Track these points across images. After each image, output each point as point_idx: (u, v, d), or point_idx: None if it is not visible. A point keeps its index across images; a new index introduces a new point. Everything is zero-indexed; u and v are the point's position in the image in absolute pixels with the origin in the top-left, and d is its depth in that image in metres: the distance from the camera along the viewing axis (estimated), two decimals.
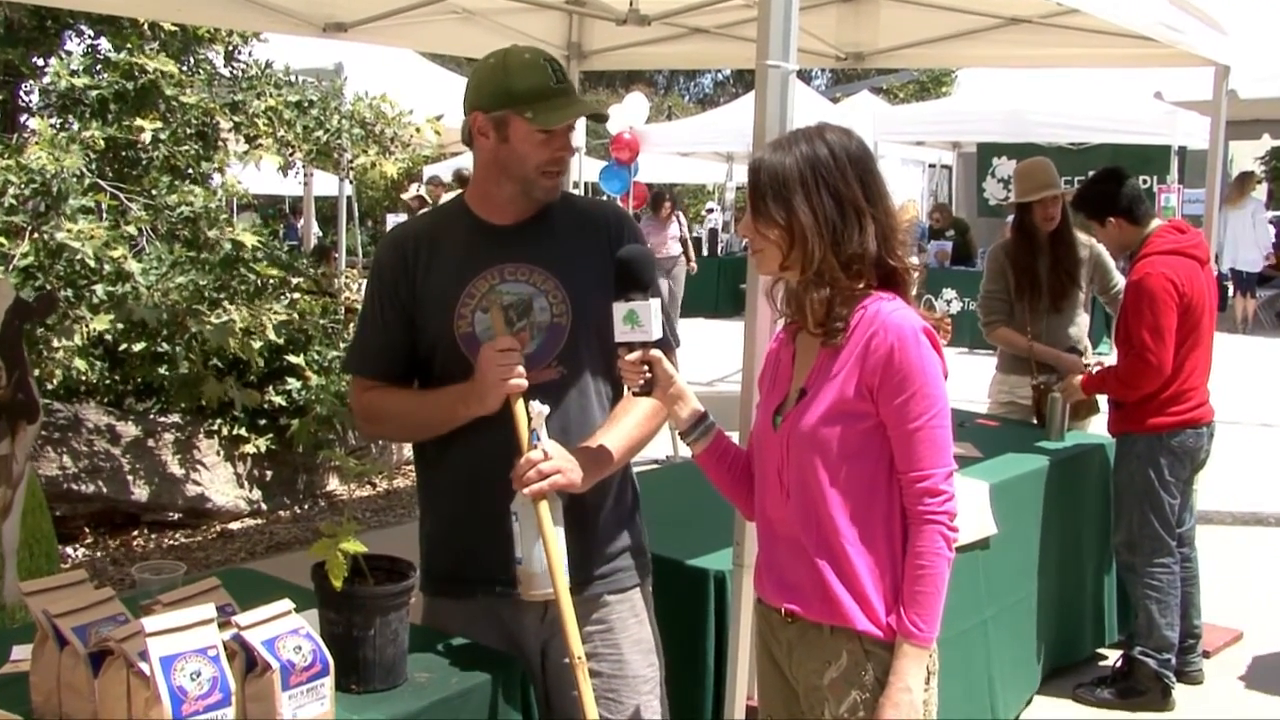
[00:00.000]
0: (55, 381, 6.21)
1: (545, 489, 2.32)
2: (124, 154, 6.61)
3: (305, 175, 9.15)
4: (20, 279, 5.56)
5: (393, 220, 16.45)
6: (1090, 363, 5.20)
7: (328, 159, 7.76)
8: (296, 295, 7.00)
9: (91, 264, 5.58)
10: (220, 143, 7.17)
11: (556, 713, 2.54)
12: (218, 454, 6.74)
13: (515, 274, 2.50)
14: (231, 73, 7.41)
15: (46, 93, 6.73)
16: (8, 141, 5.99)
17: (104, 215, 6.15)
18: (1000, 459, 4.43)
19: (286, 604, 2.02)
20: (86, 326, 5.72)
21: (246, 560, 6.04)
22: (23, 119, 7.14)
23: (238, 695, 1.92)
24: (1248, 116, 11.67)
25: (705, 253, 19.21)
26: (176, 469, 6.54)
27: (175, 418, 6.75)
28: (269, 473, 7.01)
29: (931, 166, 20.70)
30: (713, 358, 10.68)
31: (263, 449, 6.78)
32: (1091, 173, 4.88)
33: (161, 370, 6.61)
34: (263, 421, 6.85)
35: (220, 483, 6.71)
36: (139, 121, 6.38)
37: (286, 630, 1.98)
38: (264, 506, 6.92)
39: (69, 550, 6.00)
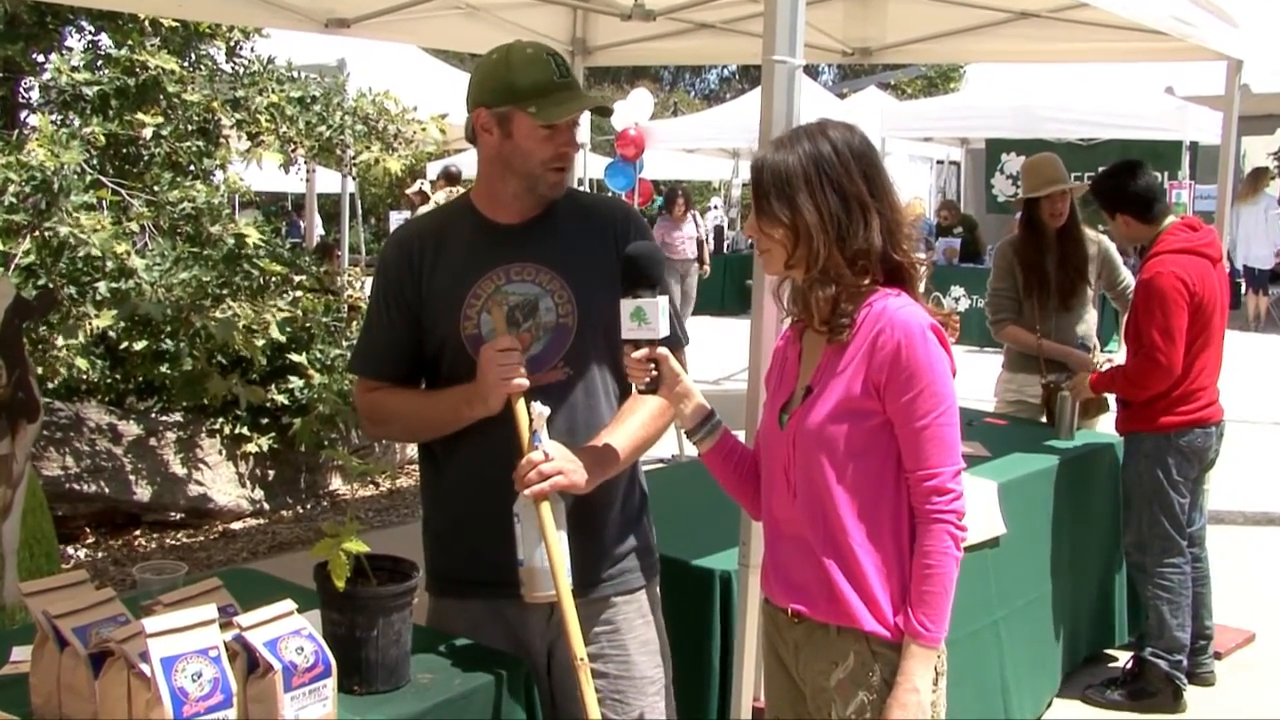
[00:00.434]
0: (56, 381, 6.19)
1: (546, 490, 2.30)
2: (125, 150, 6.59)
3: (307, 172, 9.12)
4: (22, 277, 5.54)
5: (395, 217, 16.46)
6: (1099, 360, 5.17)
7: (330, 156, 7.74)
8: (299, 293, 6.98)
9: (96, 255, 5.55)
10: (222, 139, 7.14)
11: (562, 714, 2.53)
12: (220, 453, 6.73)
13: (521, 274, 2.48)
14: (233, 69, 7.38)
15: (47, 89, 6.70)
16: (8, 138, 5.96)
17: (106, 211, 6.12)
18: (1009, 458, 4.40)
19: (289, 604, 2.00)
20: (90, 323, 5.70)
21: (248, 560, 6.03)
22: (23, 115, 7.12)
23: (239, 696, 1.91)
24: (1261, 111, 11.65)
25: (711, 250, 19.19)
26: (178, 468, 6.53)
27: (177, 416, 6.74)
28: (271, 472, 6.99)
29: (939, 163, 20.68)
30: (719, 356, 10.66)
31: (265, 448, 6.76)
32: (1101, 169, 4.84)
33: (163, 368, 6.60)
34: (265, 420, 6.84)
35: (222, 482, 6.70)
36: (140, 116, 6.36)
37: (289, 631, 1.97)
38: (266, 506, 6.90)
39: (70, 550, 5.98)
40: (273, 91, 7.00)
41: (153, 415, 6.75)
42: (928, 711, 2.21)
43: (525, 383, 2.35)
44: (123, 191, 6.30)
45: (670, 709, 2.65)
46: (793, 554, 2.33)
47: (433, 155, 12.82)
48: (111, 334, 6.08)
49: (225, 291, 6.30)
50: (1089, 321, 5.33)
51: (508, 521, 2.34)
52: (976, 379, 5.90)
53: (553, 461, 2.31)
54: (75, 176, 5.73)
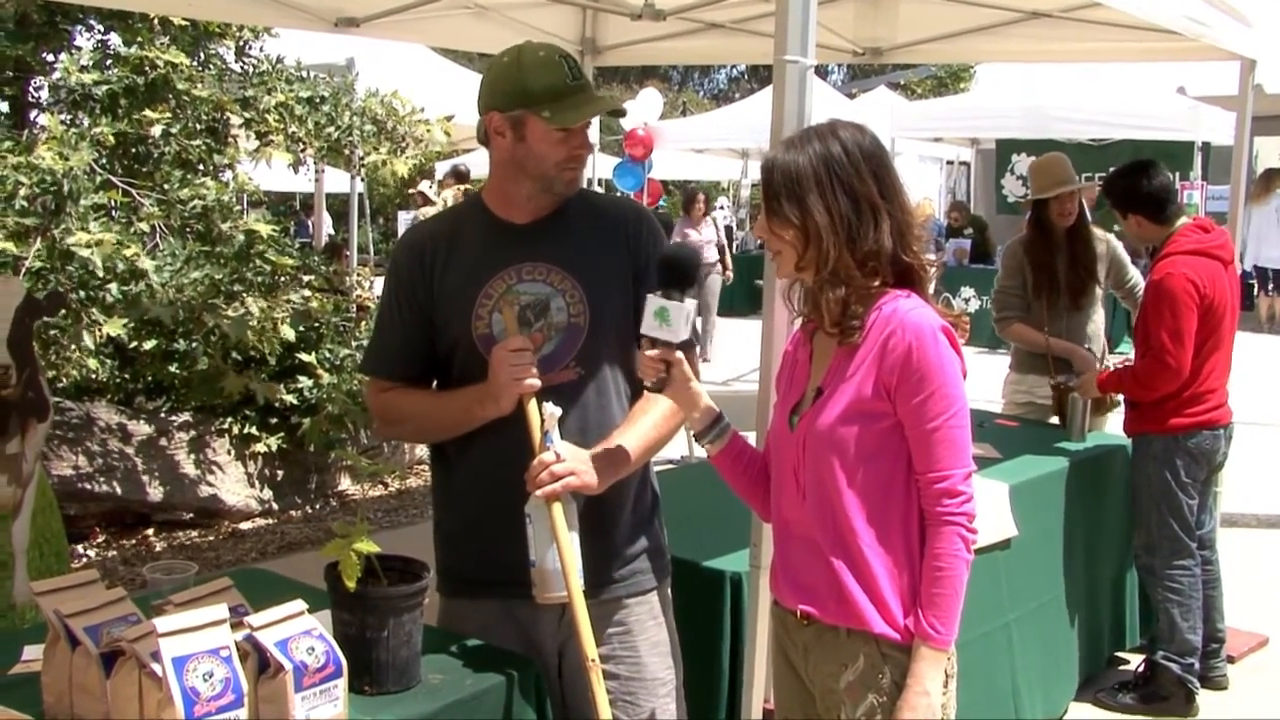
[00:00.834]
0: (66, 380, 6.20)
1: (558, 491, 2.29)
2: (134, 149, 6.60)
3: (316, 172, 9.13)
4: (32, 280, 5.54)
5: (404, 217, 16.47)
6: (1110, 362, 5.16)
7: (339, 156, 7.74)
8: (308, 293, 6.98)
9: (101, 273, 5.56)
10: (231, 138, 7.15)
11: (573, 714, 2.52)
12: (229, 453, 6.73)
13: (533, 274, 2.48)
14: (242, 68, 7.39)
15: (56, 89, 6.71)
16: (17, 139, 5.97)
17: (116, 212, 6.13)
18: (1020, 459, 4.39)
19: (299, 604, 2.00)
20: (99, 330, 5.70)
21: (258, 560, 6.03)
22: (33, 115, 7.13)
23: (250, 696, 1.90)
24: (1274, 111, 11.59)
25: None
26: (188, 468, 6.53)
27: (186, 416, 6.74)
28: (280, 472, 7.00)
29: (949, 163, 20.66)
30: (729, 357, 10.66)
31: (274, 448, 6.76)
32: (1112, 169, 4.83)
33: (172, 368, 6.60)
34: (274, 420, 6.84)
35: (231, 482, 6.70)
36: (149, 114, 6.36)
37: (299, 631, 1.97)
38: (275, 506, 6.90)
39: (80, 550, 5.99)
40: (282, 91, 7.01)
41: (162, 415, 6.75)
42: (938, 714, 2.20)
43: (537, 383, 2.35)
44: (133, 191, 6.30)
45: (681, 710, 2.65)
46: (802, 555, 2.32)
47: (441, 155, 12.81)
48: (122, 335, 6.09)
49: (238, 288, 6.30)
50: (1098, 321, 5.32)
51: (519, 522, 2.33)
52: (986, 380, 5.88)
53: (564, 462, 2.30)
54: (85, 177, 5.73)
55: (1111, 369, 4.86)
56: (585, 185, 2.65)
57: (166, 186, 6.42)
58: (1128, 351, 5.29)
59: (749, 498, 2.52)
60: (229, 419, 6.77)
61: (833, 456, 2.23)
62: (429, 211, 12.49)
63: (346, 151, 7.54)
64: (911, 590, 2.22)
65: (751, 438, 2.58)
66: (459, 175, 13.24)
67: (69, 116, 6.60)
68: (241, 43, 7.46)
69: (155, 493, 6.34)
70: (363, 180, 10.89)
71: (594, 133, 2.78)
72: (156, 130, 6.37)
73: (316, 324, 6.87)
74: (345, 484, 7.36)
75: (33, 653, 2.25)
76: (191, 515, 6.55)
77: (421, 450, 7.78)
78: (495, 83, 2.46)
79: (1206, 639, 4.56)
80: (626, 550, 2.57)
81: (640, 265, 2.55)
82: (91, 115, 6.49)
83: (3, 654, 2.31)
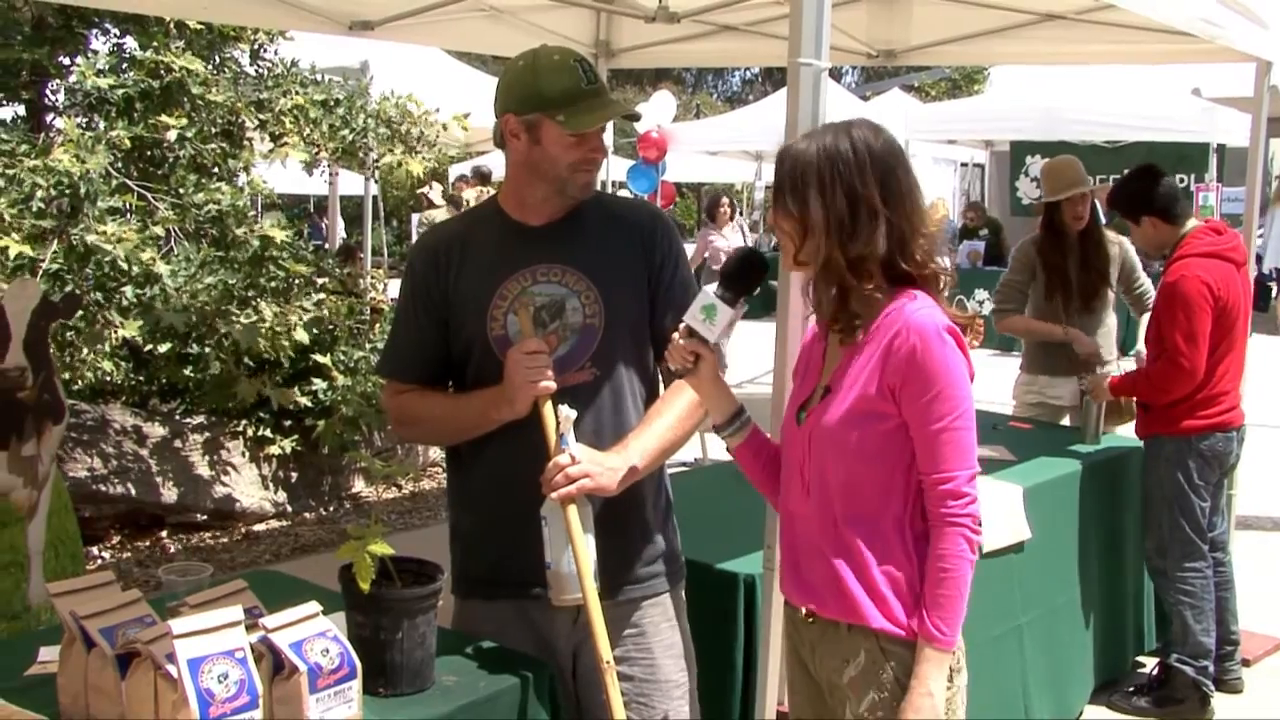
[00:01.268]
0: (81, 383, 6.22)
1: (573, 493, 2.30)
2: (150, 153, 6.62)
3: (330, 174, 9.15)
4: (49, 283, 5.57)
5: (417, 220, 16.48)
6: (1117, 367, 5.16)
7: (353, 158, 7.76)
8: (322, 295, 7.00)
9: (123, 266, 5.58)
10: (246, 141, 7.17)
11: (587, 716, 2.53)
12: (243, 455, 6.75)
13: (548, 275, 2.48)
14: (257, 71, 7.41)
15: (72, 92, 6.74)
16: (34, 142, 6.00)
17: (131, 215, 6.15)
18: (1034, 462, 4.37)
19: (314, 606, 2.01)
20: (115, 332, 5.72)
21: (272, 562, 6.04)
22: (49, 118, 7.16)
23: (265, 698, 1.90)
24: None
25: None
26: (202, 470, 6.55)
27: (201, 418, 6.76)
28: (294, 474, 7.01)
29: (964, 165, 20.60)
30: (742, 358, 10.63)
31: (288, 450, 6.78)
32: (1127, 171, 4.82)
33: (187, 371, 6.62)
34: (288, 423, 6.85)
35: (246, 484, 6.72)
36: (164, 119, 6.39)
37: (314, 633, 1.97)
38: (289, 508, 6.91)
39: (95, 551, 6.01)
40: (297, 94, 7.03)
41: (177, 417, 6.77)
42: (942, 714, 2.20)
43: (552, 385, 2.36)
44: (148, 195, 6.33)
45: (695, 712, 2.65)
46: (806, 552, 2.33)
47: (455, 158, 12.85)
48: (137, 337, 6.11)
49: (251, 294, 6.32)
50: (1109, 324, 5.31)
51: (534, 524, 2.34)
52: (999, 382, 5.87)
53: (580, 464, 2.31)
54: (100, 180, 5.76)
55: (1123, 372, 4.85)
56: (599, 188, 2.65)
57: (181, 191, 6.44)
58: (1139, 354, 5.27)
59: (769, 492, 2.52)
60: (243, 421, 6.78)
61: (835, 454, 2.24)
62: (434, 215, 12.52)
63: (361, 154, 7.56)
64: (910, 588, 2.22)
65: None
66: (482, 176, 13.27)
67: (85, 120, 6.62)
68: (256, 46, 7.48)
69: (170, 495, 6.36)
70: (376, 182, 10.91)
71: (608, 135, 2.79)
72: (172, 134, 6.39)
73: (331, 327, 6.88)
74: (359, 486, 7.37)
75: (48, 654, 2.25)
76: (206, 517, 6.57)
77: (435, 452, 7.79)
78: (510, 86, 2.46)
79: (1220, 641, 4.54)
80: (642, 552, 2.57)
81: (655, 267, 2.55)
82: (107, 119, 6.51)
83: (19, 655, 2.32)
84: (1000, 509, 3.86)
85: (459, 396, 2.56)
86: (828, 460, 2.25)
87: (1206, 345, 4.30)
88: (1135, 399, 4.63)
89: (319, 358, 6.77)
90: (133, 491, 6.23)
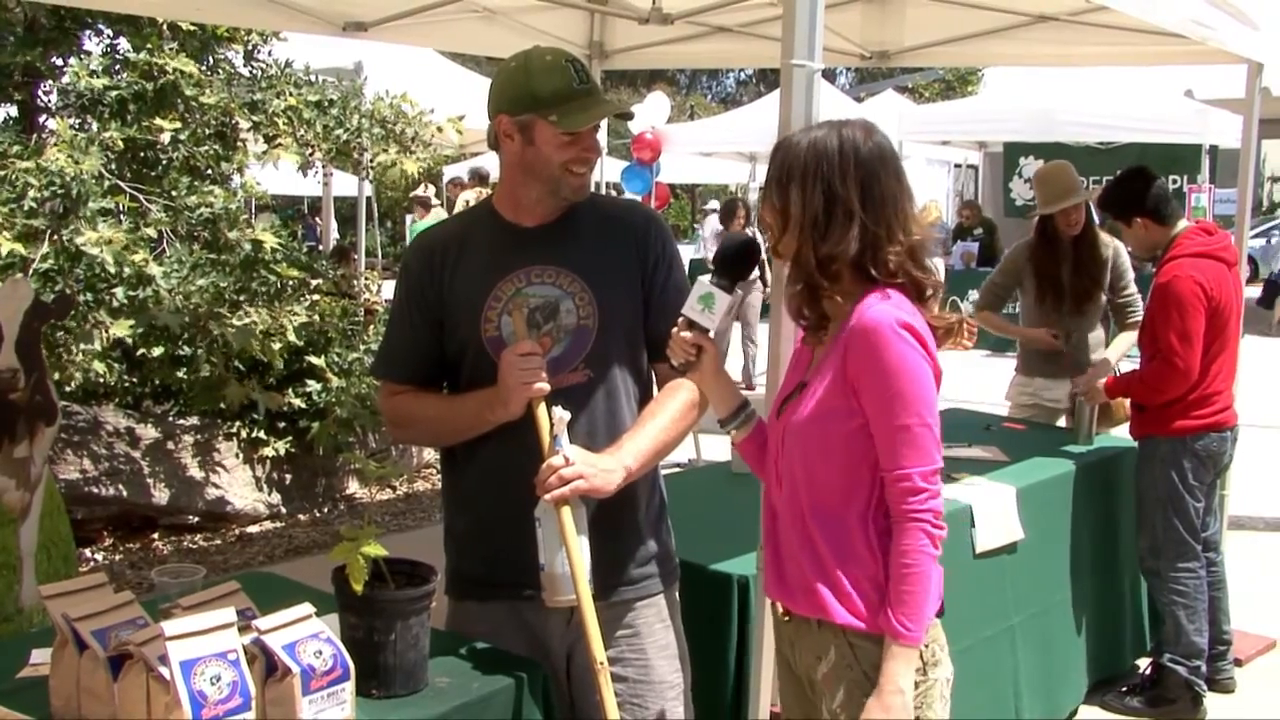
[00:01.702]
0: (74, 384, 6.21)
1: (567, 495, 2.30)
2: (143, 155, 6.61)
3: (324, 175, 9.14)
4: (40, 283, 5.56)
5: (411, 220, 16.47)
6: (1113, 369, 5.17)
7: (347, 159, 7.74)
8: (316, 297, 6.99)
9: (111, 270, 5.57)
10: (240, 143, 7.16)
11: (581, 716, 2.53)
12: (237, 457, 6.74)
13: (542, 276, 2.48)
14: (251, 72, 7.40)
15: (65, 93, 6.72)
16: (26, 142, 5.99)
17: (124, 217, 6.14)
18: (1028, 463, 4.38)
19: (307, 608, 2.01)
20: (106, 332, 5.71)
21: (265, 564, 6.03)
22: (42, 119, 7.14)
23: (258, 700, 1.90)
24: None
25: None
26: (195, 472, 6.54)
27: (194, 420, 6.75)
28: (288, 476, 7.00)
29: (957, 166, 20.63)
30: (736, 360, 10.65)
31: (282, 452, 6.77)
32: (1119, 172, 4.83)
33: (180, 373, 6.61)
34: (282, 424, 6.84)
35: (239, 486, 6.71)
36: (158, 121, 6.38)
37: (307, 634, 1.97)
38: (283, 510, 6.90)
39: (87, 553, 6.00)
40: (290, 95, 7.02)
41: (170, 419, 6.76)
42: (911, 711, 2.20)
43: (546, 387, 2.36)
44: (140, 197, 6.32)
45: (689, 713, 2.65)
46: (783, 546, 2.35)
47: (450, 158, 12.84)
48: (129, 339, 6.10)
49: (243, 297, 6.31)
50: (1098, 330, 5.32)
51: (528, 525, 2.34)
52: (992, 383, 5.88)
53: (573, 466, 2.31)
54: (93, 181, 5.74)
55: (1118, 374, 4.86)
56: (593, 189, 2.66)
57: (174, 193, 6.43)
58: (1133, 356, 5.29)
59: None
60: (236, 423, 6.78)
61: (803, 450, 2.26)
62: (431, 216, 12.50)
63: (355, 155, 7.55)
64: (875, 584, 2.22)
65: None
66: (481, 178, 13.24)
67: (78, 121, 6.61)
68: (250, 47, 7.46)
69: (162, 496, 6.34)
70: (371, 183, 10.91)
71: (602, 136, 2.79)
72: (165, 136, 6.38)
73: (324, 329, 6.88)
74: (353, 487, 7.36)
75: (40, 656, 2.25)
76: (199, 519, 6.56)
77: (429, 454, 7.79)
78: (503, 87, 2.47)
79: (1212, 641, 4.55)
80: (636, 553, 2.57)
81: (649, 269, 2.55)
82: (100, 120, 6.50)
83: (11, 657, 2.31)
84: (993, 510, 3.86)
85: (453, 398, 2.56)
86: (796, 456, 2.27)
87: (1200, 344, 4.31)
88: (1129, 400, 4.64)
89: (313, 359, 6.76)
90: (125, 493, 6.22)
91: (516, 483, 2.37)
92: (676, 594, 2.68)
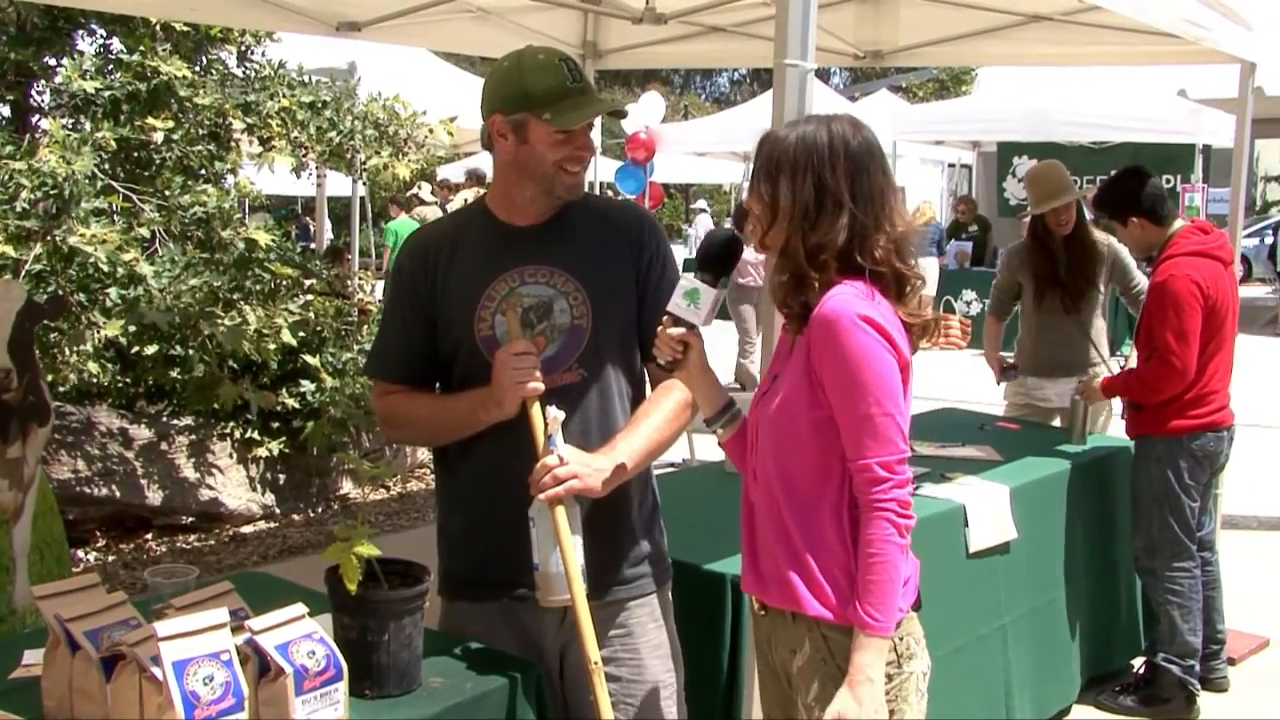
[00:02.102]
0: (67, 384, 6.20)
1: (561, 494, 2.30)
2: (136, 155, 6.60)
3: (318, 176, 9.13)
4: (32, 283, 5.55)
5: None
6: (1102, 369, 5.19)
7: (341, 160, 7.74)
8: (310, 297, 6.98)
9: (105, 268, 5.56)
10: (233, 143, 7.15)
11: (574, 716, 2.52)
12: (230, 457, 6.73)
13: (535, 276, 2.48)
14: (244, 73, 7.39)
15: (58, 93, 6.72)
16: (19, 143, 5.98)
17: (117, 217, 6.13)
18: (1021, 462, 4.39)
19: (300, 608, 2.00)
20: (98, 332, 5.70)
21: (259, 564, 6.02)
22: (34, 120, 7.13)
23: (251, 700, 1.90)
24: (1274, 114, 11.57)
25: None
26: (189, 472, 6.53)
27: (188, 420, 6.74)
28: (282, 476, 6.99)
29: (951, 166, 20.66)
30: (730, 359, 10.65)
31: (276, 452, 6.76)
32: (1114, 172, 4.84)
33: (174, 373, 6.60)
34: (276, 424, 6.83)
35: (233, 486, 6.70)
36: (151, 121, 6.37)
37: (300, 635, 1.97)
38: (277, 510, 6.89)
39: (81, 554, 5.99)
40: (284, 96, 7.01)
41: (164, 419, 6.75)
42: (882, 700, 2.20)
43: (540, 387, 2.36)
44: (134, 197, 6.31)
45: (681, 713, 2.65)
46: (756, 540, 2.36)
47: (443, 159, 12.84)
48: (122, 339, 6.09)
49: (236, 296, 6.30)
50: (1099, 326, 5.33)
51: (522, 525, 2.34)
52: (987, 383, 5.88)
53: (567, 465, 2.31)
54: (86, 182, 5.74)
55: (1110, 374, 4.87)
56: (587, 189, 2.66)
57: (167, 193, 6.43)
58: (1128, 354, 5.30)
59: None
60: (230, 423, 6.77)
61: (774, 440, 2.27)
62: (426, 213, 12.50)
63: (348, 156, 7.55)
64: (848, 575, 2.23)
65: None
66: (478, 178, 13.24)
67: (71, 121, 6.60)
68: (243, 47, 7.46)
69: (156, 496, 6.33)
70: (364, 184, 10.91)
71: (596, 136, 2.79)
72: (158, 136, 6.38)
73: (318, 329, 6.87)
74: (347, 487, 7.36)
75: (33, 657, 2.24)
76: (192, 519, 6.55)
77: (423, 454, 7.78)
78: (497, 87, 2.47)
79: (1206, 641, 4.55)
80: (629, 553, 2.57)
81: (643, 268, 2.55)
82: (93, 120, 6.50)
83: (3, 658, 2.31)
84: (987, 509, 3.87)
85: (446, 397, 2.56)
86: (769, 447, 2.28)
87: (1197, 343, 4.31)
88: (1125, 399, 4.64)
89: (307, 359, 6.75)
90: (119, 494, 6.20)
91: (510, 482, 2.37)
92: (669, 594, 2.68)
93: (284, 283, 6.66)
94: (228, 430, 6.75)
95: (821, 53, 3.62)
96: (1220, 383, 4.45)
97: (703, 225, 22.89)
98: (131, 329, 6.00)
